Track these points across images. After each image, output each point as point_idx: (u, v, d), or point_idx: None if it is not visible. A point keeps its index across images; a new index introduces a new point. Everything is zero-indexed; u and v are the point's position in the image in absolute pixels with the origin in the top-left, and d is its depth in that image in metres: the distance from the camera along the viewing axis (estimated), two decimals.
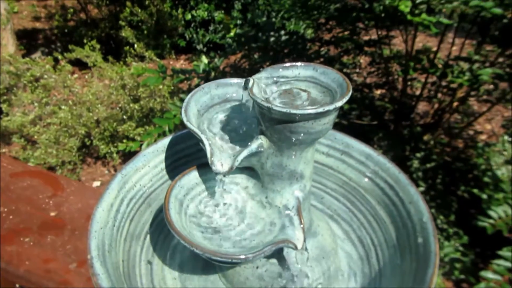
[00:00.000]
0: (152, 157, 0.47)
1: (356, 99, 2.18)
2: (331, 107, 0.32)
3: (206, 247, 0.33)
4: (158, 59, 2.44)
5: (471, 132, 2.35)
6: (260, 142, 0.37)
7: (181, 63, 3.18)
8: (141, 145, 1.60)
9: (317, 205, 0.52)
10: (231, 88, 0.44)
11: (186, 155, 0.50)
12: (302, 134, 0.34)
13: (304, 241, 0.37)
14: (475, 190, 1.45)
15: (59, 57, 2.35)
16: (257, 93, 0.35)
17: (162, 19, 2.82)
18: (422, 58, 1.55)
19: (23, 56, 2.85)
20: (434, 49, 1.96)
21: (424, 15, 1.24)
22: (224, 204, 0.41)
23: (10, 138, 2.19)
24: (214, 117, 0.43)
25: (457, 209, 1.76)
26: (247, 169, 0.42)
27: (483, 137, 2.41)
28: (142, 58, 2.54)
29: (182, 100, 1.75)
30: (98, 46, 2.39)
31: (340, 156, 0.50)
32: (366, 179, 0.48)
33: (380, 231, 0.45)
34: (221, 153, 0.38)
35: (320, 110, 0.32)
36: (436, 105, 2.02)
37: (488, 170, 1.56)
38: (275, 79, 0.38)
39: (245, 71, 2.06)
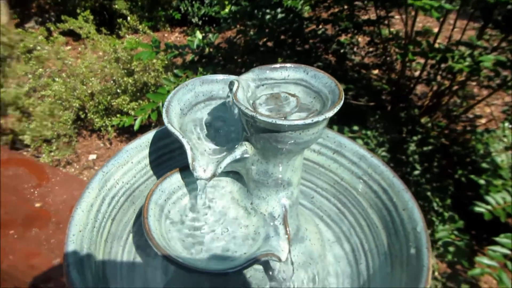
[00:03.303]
0: (135, 153, 0.45)
1: (353, 79, 2.14)
2: (321, 118, 0.30)
3: (185, 261, 0.31)
4: (152, 33, 2.38)
5: (470, 115, 2.32)
6: (244, 149, 0.35)
7: (176, 36, 3.10)
8: (135, 120, 1.58)
9: (307, 204, 0.50)
10: (216, 85, 0.41)
11: (171, 150, 0.48)
12: (289, 144, 0.32)
13: (289, 252, 0.35)
14: (473, 176, 1.44)
15: (52, 28, 2.28)
16: (241, 98, 0.32)
17: None
18: (421, 42, 1.51)
19: (17, 26, 2.78)
20: (435, 30, 1.91)
21: None
22: (208, 209, 0.39)
23: (6, 110, 2.16)
24: (198, 117, 0.40)
25: (454, 193, 1.75)
26: (233, 172, 0.40)
27: (483, 120, 2.38)
28: (136, 31, 2.47)
29: (176, 76, 1.72)
30: (91, 17, 2.32)
31: (332, 155, 0.48)
32: (359, 181, 0.46)
33: (371, 236, 0.44)
34: (204, 158, 0.35)
35: (309, 121, 0.30)
36: (435, 88, 1.99)
37: (487, 155, 1.55)
38: (262, 81, 0.36)
39: (241, 47, 2.01)
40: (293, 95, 0.35)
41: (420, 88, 2.54)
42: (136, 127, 1.52)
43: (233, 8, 1.82)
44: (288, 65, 0.36)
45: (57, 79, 2.09)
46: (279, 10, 1.82)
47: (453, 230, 1.66)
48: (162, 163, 0.48)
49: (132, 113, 2.10)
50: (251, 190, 0.38)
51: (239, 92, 0.33)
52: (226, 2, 1.79)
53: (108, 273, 0.40)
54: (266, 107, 0.34)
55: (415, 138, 1.84)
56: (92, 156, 2.39)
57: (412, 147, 1.79)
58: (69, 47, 2.89)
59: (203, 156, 0.36)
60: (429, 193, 1.74)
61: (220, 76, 0.41)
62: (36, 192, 0.59)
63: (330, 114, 0.30)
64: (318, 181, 0.49)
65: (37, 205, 0.57)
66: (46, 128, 2.04)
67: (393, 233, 0.41)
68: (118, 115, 1.81)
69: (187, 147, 0.35)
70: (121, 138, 2.47)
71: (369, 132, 1.83)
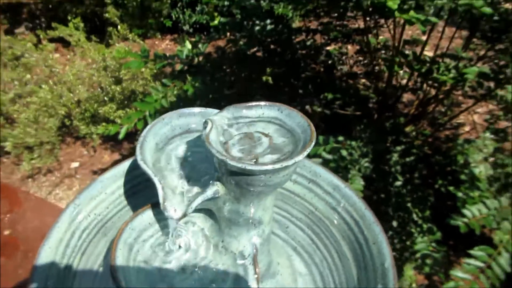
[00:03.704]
0: (110, 183, 0.45)
1: (341, 89, 2.15)
2: (290, 162, 0.30)
3: None
4: (142, 41, 2.37)
5: (455, 123, 2.35)
6: (216, 189, 0.35)
7: (166, 44, 3.10)
8: (121, 128, 1.57)
9: (281, 234, 0.50)
10: (193, 118, 0.41)
11: (146, 179, 0.47)
12: (259, 186, 0.32)
13: None
14: (451, 188, 1.46)
15: (42, 35, 2.26)
16: (214, 140, 0.32)
17: (147, 0, 2.73)
18: (408, 54, 1.53)
19: (7, 31, 2.75)
20: (424, 37, 1.94)
21: (412, 13, 1.21)
22: (178, 247, 0.39)
23: None
24: (173, 151, 0.40)
25: (433, 203, 1.77)
26: (205, 208, 0.40)
27: (467, 128, 2.41)
28: (126, 39, 2.46)
29: (164, 85, 1.72)
30: (82, 24, 2.30)
31: (307, 184, 0.48)
32: (332, 211, 0.46)
33: (342, 270, 0.44)
34: (175, 197, 0.35)
35: (278, 166, 0.30)
36: (421, 96, 2.01)
37: (466, 166, 1.57)
38: (237, 119, 0.36)
39: (231, 58, 2.02)
40: (266, 135, 0.35)
41: (407, 96, 2.57)
42: (121, 136, 1.51)
43: (223, 19, 1.83)
44: (263, 103, 0.36)
45: (43, 86, 2.07)
46: (268, 21, 1.83)
47: (431, 242, 1.67)
48: (137, 192, 0.47)
49: (119, 121, 2.08)
50: (223, 228, 0.38)
51: (212, 133, 0.33)
52: (216, 14, 1.79)
53: None
54: (239, 147, 0.34)
55: (398, 148, 1.86)
56: (75, 164, 2.36)
57: (395, 157, 1.81)
58: (58, 54, 2.87)
59: (174, 195, 0.36)
60: (409, 204, 1.76)
61: (197, 109, 0.41)
62: (6, 219, 0.58)
63: (300, 158, 0.31)
64: (293, 210, 0.50)
65: (6, 232, 0.56)
66: (29, 135, 2.02)
67: (363, 267, 0.42)
68: (103, 123, 1.79)
69: (159, 187, 0.35)
70: (105, 146, 2.45)
71: (353, 143, 1.84)
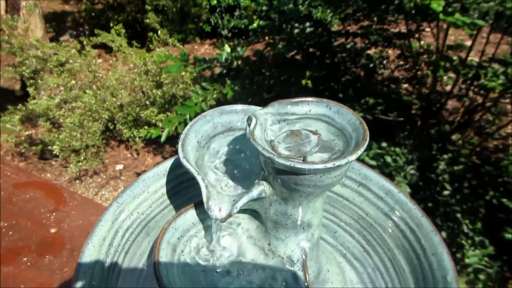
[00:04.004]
0: (152, 182, 0.44)
1: (382, 93, 2.09)
2: (343, 161, 0.28)
3: None
4: (181, 46, 2.41)
5: (503, 133, 2.22)
6: (262, 189, 0.33)
7: (205, 48, 3.14)
8: (162, 131, 1.59)
9: (329, 239, 0.47)
10: (236, 116, 0.39)
11: (189, 178, 0.46)
12: (309, 187, 0.30)
13: None
14: (504, 200, 1.37)
15: (85, 41, 2.35)
16: (259, 137, 0.30)
17: (186, 6, 2.78)
18: (453, 58, 1.45)
19: (52, 39, 2.88)
20: (467, 43, 1.84)
21: (457, 15, 1.15)
22: (223, 248, 0.37)
23: (36, 121, 2.22)
24: (216, 149, 0.39)
25: (485, 215, 1.67)
26: (250, 209, 0.38)
27: None
28: (166, 44, 2.51)
29: (203, 88, 1.73)
30: (123, 31, 2.37)
31: (356, 187, 0.45)
32: (384, 217, 0.43)
33: (397, 280, 0.41)
34: (219, 196, 0.34)
35: (330, 165, 0.28)
36: (467, 103, 1.92)
37: None
38: (282, 116, 0.34)
39: (269, 60, 2.00)
40: (314, 133, 0.32)
41: (451, 103, 2.46)
42: (163, 139, 1.53)
43: (262, 22, 1.82)
44: (310, 99, 0.34)
45: (88, 91, 2.14)
46: (307, 24, 1.81)
47: (484, 256, 1.58)
48: (180, 192, 0.46)
49: (160, 124, 2.12)
50: (269, 230, 0.36)
51: (257, 129, 0.31)
52: (255, 17, 1.79)
53: None
54: (285, 145, 0.32)
55: (445, 156, 1.77)
56: (119, 166, 2.42)
57: (442, 165, 1.72)
58: (100, 60, 2.97)
59: (218, 194, 0.34)
60: (459, 215, 1.67)
61: (239, 107, 0.40)
62: (52, 217, 0.58)
63: (353, 157, 0.28)
64: (341, 214, 0.47)
65: (53, 230, 0.57)
66: (75, 139, 2.09)
67: (421, 279, 0.38)
68: (145, 127, 1.83)
69: (202, 185, 0.33)
70: (148, 149, 2.50)
71: (397, 149, 1.78)
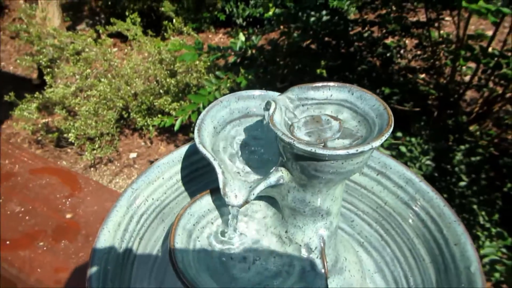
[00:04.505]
0: (167, 168, 0.44)
1: (398, 83, 2.05)
2: (366, 148, 0.27)
3: None
4: (196, 34, 2.40)
5: None
6: (280, 175, 0.32)
7: (219, 37, 3.12)
8: (175, 120, 1.59)
9: (346, 228, 0.46)
10: (253, 102, 0.39)
11: (204, 165, 0.46)
12: (329, 174, 0.29)
13: None
14: None
15: (101, 30, 2.35)
16: (278, 122, 0.30)
17: None
18: (474, 47, 1.41)
19: (69, 28, 2.89)
20: (488, 33, 1.79)
21: (481, 2, 1.11)
22: (239, 235, 0.36)
23: (53, 109, 2.25)
24: (233, 135, 0.38)
25: (502, 207, 1.64)
26: (267, 196, 0.37)
27: None
28: (180, 32, 2.50)
29: (217, 77, 1.72)
30: (138, 19, 2.37)
31: (375, 176, 0.44)
32: (404, 206, 0.42)
33: (417, 270, 0.40)
34: (236, 182, 0.33)
35: (352, 151, 0.27)
36: (486, 94, 1.87)
37: None
38: (302, 101, 0.33)
39: (284, 49, 1.98)
40: (336, 118, 0.31)
41: (470, 94, 2.40)
42: (176, 127, 1.53)
43: (277, 10, 1.80)
44: (331, 84, 0.33)
45: (103, 80, 2.15)
46: (324, 12, 1.78)
47: (501, 247, 1.55)
48: (194, 179, 0.46)
49: (174, 113, 2.12)
50: (286, 218, 0.35)
51: (276, 114, 0.30)
52: (270, 5, 1.77)
53: None
54: (305, 131, 0.31)
55: (462, 147, 1.74)
56: (133, 155, 2.44)
57: (459, 156, 1.69)
58: (116, 49, 2.98)
59: (235, 180, 0.33)
60: (475, 206, 1.64)
61: (256, 92, 0.39)
62: (67, 203, 0.59)
63: (377, 143, 0.27)
64: (359, 203, 0.46)
65: (68, 216, 0.57)
66: (90, 127, 2.10)
67: (443, 269, 0.37)
68: (159, 115, 1.83)
69: (219, 171, 0.32)
70: (161, 137, 2.51)
71: (413, 139, 1.75)
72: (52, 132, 2.31)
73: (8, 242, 0.54)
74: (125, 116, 2.31)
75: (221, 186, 0.32)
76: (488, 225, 1.59)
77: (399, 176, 0.43)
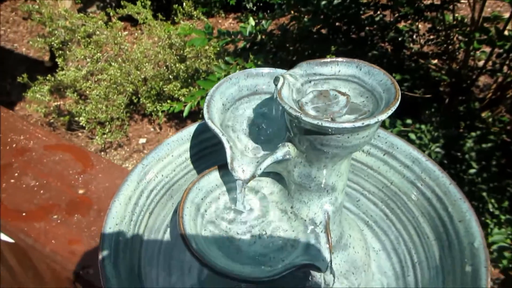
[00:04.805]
0: (176, 146, 0.44)
1: (409, 69, 2.03)
2: (372, 121, 0.27)
3: (217, 265, 0.30)
4: (206, 19, 2.39)
5: None
6: (287, 150, 0.32)
7: (229, 22, 3.10)
8: (184, 106, 1.60)
9: (351, 208, 0.47)
10: (262, 79, 0.39)
11: (213, 144, 0.47)
12: (335, 148, 0.29)
13: (330, 263, 0.33)
14: None
15: (111, 13, 2.35)
16: (286, 97, 0.30)
17: None
18: (489, 29, 1.39)
19: (80, 10, 2.90)
20: (505, 15, 1.76)
21: None
22: (246, 210, 0.37)
23: (64, 92, 2.26)
24: (241, 112, 0.39)
25: None
26: (273, 172, 0.38)
27: None
28: (190, 17, 2.49)
29: (227, 63, 1.72)
30: (149, 2, 2.36)
31: (382, 156, 0.44)
32: (410, 185, 0.42)
33: (421, 247, 0.40)
34: (243, 158, 0.34)
35: (358, 124, 0.27)
36: (500, 79, 1.84)
37: None
38: (310, 77, 0.33)
39: (294, 34, 1.96)
40: (343, 94, 0.32)
41: (483, 80, 2.37)
42: (185, 113, 1.54)
43: None
44: (340, 59, 0.33)
45: (113, 64, 2.16)
46: None
47: (510, 234, 1.55)
48: (203, 157, 0.47)
49: (183, 99, 2.13)
50: (292, 193, 0.36)
51: (284, 89, 0.31)
52: None
53: (143, 266, 0.39)
54: (313, 106, 0.31)
55: (473, 134, 1.72)
56: (142, 140, 2.46)
57: (470, 143, 1.68)
58: (126, 32, 2.98)
59: (242, 155, 0.34)
60: (484, 194, 1.63)
61: (265, 70, 0.39)
62: (80, 179, 0.60)
63: (383, 116, 0.27)
64: (365, 183, 0.46)
65: (81, 191, 0.59)
66: (101, 111, 2.12)
67: (447, 246, 0.38)
68: (168, 101, 1.84)
69: (227, 146, 0.33)
70: (170, 124, 2.52)
71: (423, 126, 1.74)
72: (63, 115, 2.33)
73: (24, 214, 0.56)
74: (135, 101, 2.33)
75: (228, 160, 0.33)
76: (497, 212, 1.59)
77: (406, 155, 0.43)
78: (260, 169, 0.32)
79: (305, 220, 0.35)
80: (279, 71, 0.39)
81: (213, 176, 0.38)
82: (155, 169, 0.43)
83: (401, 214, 0.43)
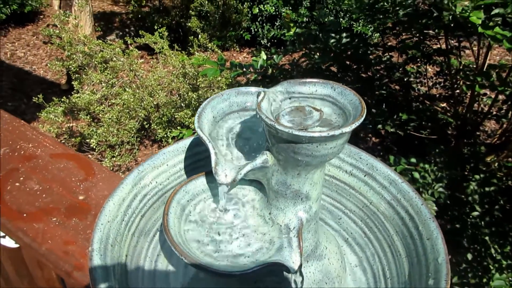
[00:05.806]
0: (172, 156, 0.48)
1: (417, 110, 2.07)
2: (337, 132, 0.30)
3: (192, 256, 0.33)
4: (220, 51, 2.49)
5: None
6: (265, 158, 0.36)
7: (244, 56, 3.21)
8: (193, 133, 1.64)
9: (333, 225, 0.49)
10: (251, 97, 0.43)
11: (206, 156, 0.49)
12: (306, 156, 0.33)
13: (301, 265, 0.35)
14: None
15: (129, 41, 2.46)
16: (264, 109, 0.34)
17: (227, 11, 2.87)
18: (491, 74, 1.43)
19: (99, 37, 3.03)
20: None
21: (497, 29, 1.14)
22: (227, 213, 0.40)
23: (78, 114, 2.34)
24: (230, 125, 0.42)
25: None
26: (256, 182, 0.41)
27: None
28: (205, 49, 2.60)
29: None
30: (166, 33, 2.47)
31: (363, 177, 0.47)
32: (387, 206, 0.45)
33: (394, 264, 0.43)
34: (227, 164, 0.37)
35: (325, 134, 0.30)
36: (505, 125, 1.86)
37: None
38: (290, 94, 0.37)
39: (304, 70, 2.03)
40: (318, 110, 0.35)
41: (489, 126, 2.39)
42: None
43: (298, 30, 1.86)
44: (316, 80, 0.37)
45: (127, 89, 2.24)
46: (344, 34, 1.82)
47: (511, 281, 1.52)
48: (196, 168, 0.50)
49: (192, 127, 2.18)
50: (271, 201, 0.39)
51: (264, 102, 0.34)
52: (292, 24, 1.83)
53: (129, 264, 0.42)
54: (289, 118, 0.35)
55: (477, 177, 1.73)
56: None
57: (473, 186, 1.68)
58: (142, 60, 3.09)
59: (226, 162, 0.37)
60: (487, 238, 1.62)
61: (254, 89, 0.43)
62: (81, 186, 0.64)
63: (347, 129, 0.31)
64: (347, 202, 0.49)
65: (81, 197, 0.62)
66: (112, 134, 2.18)
67: (416, 262, 0.40)
68: (178, 128, 1.89)
69: (212, 152, 0.36)
70: None
71: (427, 166, 1.75)
72: (75, 137, 2.40)
73: (25, 215, 0.59)
74: (146, 126, 2.39)
75: (213, 165, 0.36)
76: (499, 257, 1.57)
77: (384, 177, 0.46)
78: (241, 174, 0.35)
79: (281, 226, 0.38)
80: (265, 90, 0.43)
81: (200, 182, 0.41)
82: (150, 176, 0.46)
83: (378, 232, 0.46)
